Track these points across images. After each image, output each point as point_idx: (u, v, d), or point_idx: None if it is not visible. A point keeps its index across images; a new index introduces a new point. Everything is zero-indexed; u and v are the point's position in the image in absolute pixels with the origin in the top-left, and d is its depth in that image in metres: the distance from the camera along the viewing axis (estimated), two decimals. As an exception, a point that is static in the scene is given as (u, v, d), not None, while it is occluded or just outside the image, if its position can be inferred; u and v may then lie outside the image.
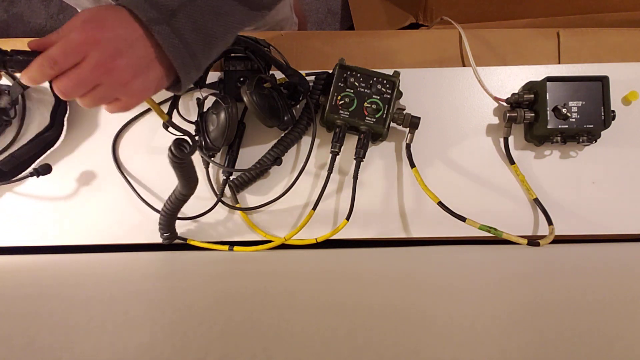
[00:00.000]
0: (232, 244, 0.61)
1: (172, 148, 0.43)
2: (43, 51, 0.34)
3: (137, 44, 0.35)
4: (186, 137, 0.44)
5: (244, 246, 0.62)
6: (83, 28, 0.34)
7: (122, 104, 0.38)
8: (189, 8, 0.37)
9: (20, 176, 0.59)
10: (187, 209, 0.62)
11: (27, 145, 0.59)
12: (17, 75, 0.59)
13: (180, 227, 0.62)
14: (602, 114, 0.57)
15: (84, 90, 0.35)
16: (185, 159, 0.45)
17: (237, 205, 0.61)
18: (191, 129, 0.60)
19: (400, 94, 0.59)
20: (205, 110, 0.60)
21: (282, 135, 0.61)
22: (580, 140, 0.58)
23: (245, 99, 0.53)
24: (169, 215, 0.56)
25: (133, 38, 0.35)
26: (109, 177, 0.62)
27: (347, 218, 0.59)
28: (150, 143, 0.63)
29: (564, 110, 0.56)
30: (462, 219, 0.57)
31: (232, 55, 0.61)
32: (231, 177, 0.61)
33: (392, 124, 0.59)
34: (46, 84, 0.41)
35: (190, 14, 0.37)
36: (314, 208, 0.59)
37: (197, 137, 0.59)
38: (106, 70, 0.34)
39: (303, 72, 0.59)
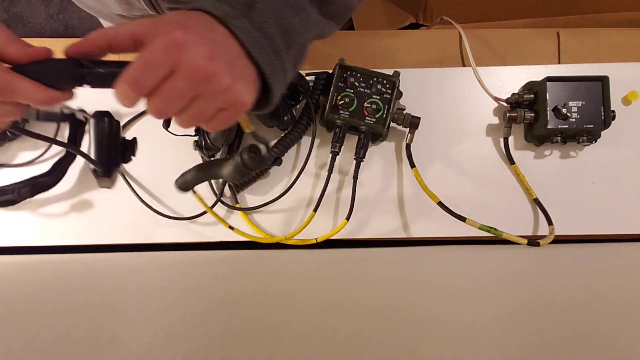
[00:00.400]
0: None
1: (246, 155, 0.38)
2: (107, 38, 0.29)
3: (225, 43, 0.30)
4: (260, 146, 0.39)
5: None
6: (165, 31, 0.28)
7: (227, 114, 0.32)
8: (268, 0, 0.33)
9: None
10: (187, 209, 0.62)
11: (19, 185, 0.57)
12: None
13: (181, 227, 0.62)
14: (602, 114, 0.57)
15: (181, 104, 0.30)
16: (257, 167, 0.39)
17: (237, 205, 0.61)
18: (191, 129, 0.60)
19: (400, 94, 0.59)
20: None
21: (282, 135, 0.61)
22: (580, 140, 0.58)
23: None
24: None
25: (220, 37, 0.30)
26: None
27: (347, 218, 0.59)
28: (150, 143, 0.63)
29: (564, 110, 0.56)
30: (462, 219, 0.57)
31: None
32: (231, 177, 0.61)
33: (392, 124, 0.59)
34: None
35: (269, 4, 0.32)
36: (315, 209, 0.59)
37: (197, 137, 0.59)
38: (204, 76, 0.28)
39: (303, 72, 0.59)
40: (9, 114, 0.31)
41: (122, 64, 0.29)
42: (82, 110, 0.59)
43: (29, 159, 0.61)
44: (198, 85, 0.29)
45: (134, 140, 0.46)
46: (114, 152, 0.44)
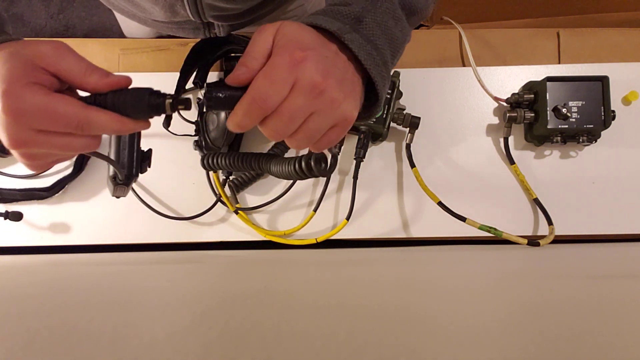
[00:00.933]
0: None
1: (312, 162, 0.39)
2: (239, 81, 0.30)
3: (336, 60, 0.32)
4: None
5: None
6: (286, 49, 0.29)
7: (337, 130, 0.33)
8: (374, 12, 0.34)
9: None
10: (187, 209, 0.62)
11: (17, 192, 0.59)
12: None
13: (180, 226, 0.62)
14: (602, 114, 0.57)
15: (298, 123, 0.30)
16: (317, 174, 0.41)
17: (237, 205, 0.61)
18: (191, 128, 0.60)
19: (400, 94, 0.59)
20: (205, 111, 0.60)
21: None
22: (581, 140, 0.58)
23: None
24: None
25: (332, 54, 0.31)
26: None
27: (347, 218, 0.59)
28: (150, 143, 0.63)
29: (564, 110, 0.56)
30: (462, 219, 0.57)
31: (232, 55, 0.61)
32: (231, 177, 0.61)
33: (392, 124, 0.59)
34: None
35: (375, 18, 0.34)
36: (315, 209, 0.59)
37: (197, 137, 0.59)
38: (320, 91, 0.30)
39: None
40: (87, 146, 0.31)
41: (233, 89, 0.30)
42: None
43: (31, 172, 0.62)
44: (315, 102, 0.30)
45: (150, 151, 0.47)
46: (133, 162, 0.45)
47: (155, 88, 0.32)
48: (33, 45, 0.29)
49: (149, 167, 0.48)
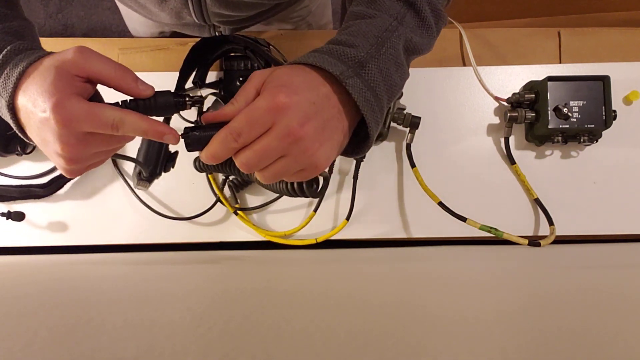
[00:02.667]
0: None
1: (305, 184, 0.40)
2: (217, 120, 0.33)
3: (324, 106, 0.33)
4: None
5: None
6: (270, 93, 0.31)
7: (305, 174, 0.35)
8: (377, 58, 0.35)
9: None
10: (187, 209, 0.62)
11: (13, 188, 0.60)
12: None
13: (180, 226, 0.62)
14: (603, 113, 0.57)
15: (269, 162, 0.33)
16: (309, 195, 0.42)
17: (237, 205, 0.61)
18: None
19: (400, 94, 0.59)
20: (205, 110, 0.60)
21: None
22: (582, 140, 0.58)
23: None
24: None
25: (321, 99, 0.33)
26: (108, 178, 0.62)
27: (347, 218, 0.59)
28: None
29: (564, 110, 0.56)
30: (463, 219, 0.57)
31: (232, 54, 0.61)
32: (231, 177, 0.61)
33: (392, 124, 0.59)
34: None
35: (379, 64, 0.35)
36: (315, 210, 0.59)
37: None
38: (294, 139, 0.31)
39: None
40: (121, 142, 0.36)
41: (215, 127, 0.33)
42: None
43: (32, 173, 0.62)
44: (288, 147, 0.32)
45: (176, 153, 0.51)
46: (159, 161, 0.49)
47: (157, 89, 0.35)
48: (61, 56, 0.32)
49: (173, 167, 0.51)
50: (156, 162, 0.48)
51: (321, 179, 0.42)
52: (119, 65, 0.34)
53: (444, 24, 0.42)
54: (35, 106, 0.31)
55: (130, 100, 0.34)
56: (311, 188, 0.40)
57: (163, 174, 0.51)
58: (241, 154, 0.32)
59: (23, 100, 0.32)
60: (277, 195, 0.60)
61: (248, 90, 0.33)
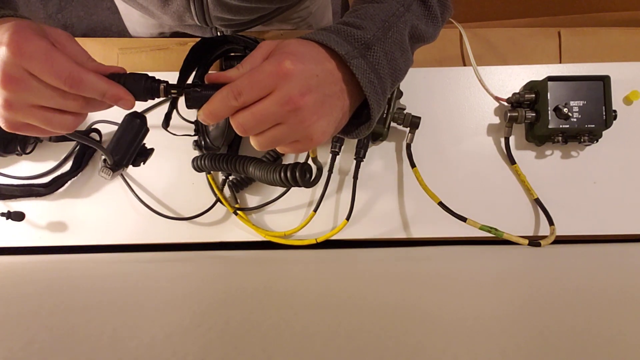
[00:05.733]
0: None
1: (297, 172, 0.40)
2: (220, 82, 0.32)
3: (326, 81, 0.33)
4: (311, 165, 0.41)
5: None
6: (277, 58, 0.31)
7: (299, 146, 0.34)
8: (383, 42, 0.35)
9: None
10: (187, 209, 0.62)
11: (15, 187, 0.59)
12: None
13: (180, 226, 0.62)
14: (604, 113, 0.56)
15: (265, 127, 0.32)
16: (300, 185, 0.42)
17: (237, 205, 0.61)
18: (190, 128, 0.60)
19: (400, 94, 0.59)
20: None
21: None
22: (582, 140, 0.58)
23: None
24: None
25: (324, 74, 0.33)
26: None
27: (347, 218, 0.59)
28: (149, 143, 0.63)
29: (565, 110, 0.56)
30: (463, 219, 0.56)
31: (231, 54, 0.61)
32: (230, 177, 0.61)
33: (392, 124, 0.59)
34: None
35: (384, 47, 0.35)
36: (315, 209, 0.59)
37: (196, 137, 0.59)
38: (294, 107, 0.31)
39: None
40: (69, 107, 0.32)
41: (217, 88, 0.32)
42: (96, 130, 0.61)
43: (31, 174, 0.62)
44: (286, 115, 0.32)
45: (151, 150, 0.49)
46: (129, 152, 0.47)
47: None
48: (49, 26, 0.32)
49: (144, 163, 0.49)
50: (125, 152, 0.46)
51: (314, 169, 0.42)
52: (93, 59, 0.33)
53: (449, 15, 0.43)
54: None
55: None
56: (304, 177, 0.41)
57: (132, 167, 0.49)
58: (239, 114, 0.32)
59: None
60: (277, 195, 0.60)
61: (255, 56, 0.33)
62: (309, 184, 0.41)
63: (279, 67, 0.31)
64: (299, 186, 0.41)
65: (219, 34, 0.63)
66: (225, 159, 0.50)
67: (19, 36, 0.29)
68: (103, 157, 0.46)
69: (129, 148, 0.46)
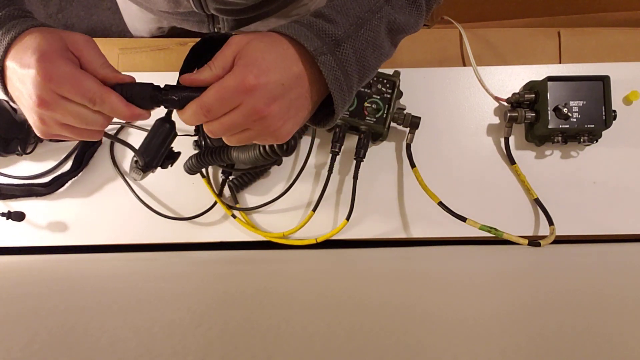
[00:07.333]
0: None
1: (276, 145, 0.44)
2: (194, 86, 0.34)
3: (292, 86, 0.34)
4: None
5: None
6: (240, 73, 0.33)
7: (267, 142, 0.38)
8: (354, 39, 0.35)
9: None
10: (187, 209, 0.62)
11: (15, 187, 0.60)
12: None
13: (180, 226, 0.62)
14: (603, 113, 0.57)
15: (234, 132, 0.35)
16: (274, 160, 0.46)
17: (237, 205, 0.61)
18: (190, 128, 0.60)
19: (400, 94, 0.59)
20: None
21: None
22: (581, 140, 0.58)
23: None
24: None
25: (290, 81, 0.34)
26: (108, 177, 0.62)
27: (347, 218, 0.59)
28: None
29: (564, 110, 0.56)
30: (463, 219, 0.57)
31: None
32: (230, 177, 0.61)
33: (392, 124, 0.59)
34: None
35: (354, 44, 0.35)
36: (314, 209, 0.59)
37: (196, 137, 0.59)
38: (260, 117, 0.33)
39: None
40: (95, 122, 0.35)
41: (190, 90, 0.35)
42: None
43: (31, 173, 0.62)
44: (252, 123, 0.34)
45: (178, 153, 0.52)
46: (158, 155, 0.49)
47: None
48: (67, 32, 0.34)
49: (171, 166, 0.52)
50: (155, 155, 0.49)
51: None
52: (108, 62, 0.35)
53: (437, 3, 0.43)
54: (22, 59, 0.32)
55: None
56: (282, 149, 0.44)
57: (160, 169, 0.51)
58: (210, 124, 0.35)
59: (11, 60, 0.33)
60: (277, 195, 0.60)
61: (226, 55, 0.34)
62: (286, 153, 0.46)
63: (243, 83, 0.32)
64: (279, 156, 0.45)
65: (216, 29, 0.62)
66: (210, 152, 0.53)
67: (46, 61, 0.32)
68: (135, 158, 0.48)
69: (158, 151, 0.49)
